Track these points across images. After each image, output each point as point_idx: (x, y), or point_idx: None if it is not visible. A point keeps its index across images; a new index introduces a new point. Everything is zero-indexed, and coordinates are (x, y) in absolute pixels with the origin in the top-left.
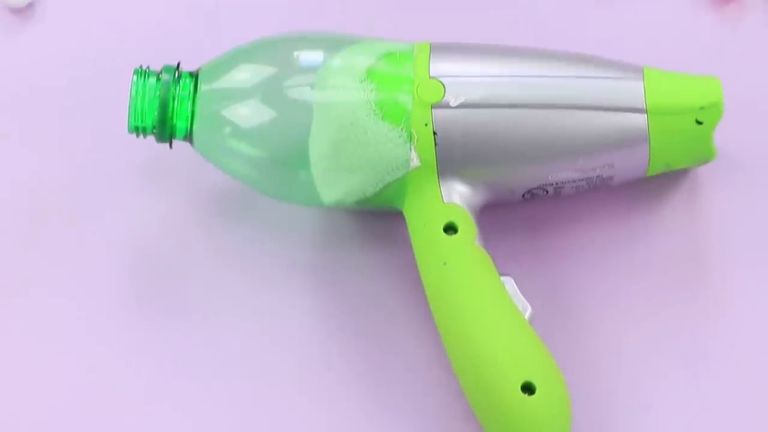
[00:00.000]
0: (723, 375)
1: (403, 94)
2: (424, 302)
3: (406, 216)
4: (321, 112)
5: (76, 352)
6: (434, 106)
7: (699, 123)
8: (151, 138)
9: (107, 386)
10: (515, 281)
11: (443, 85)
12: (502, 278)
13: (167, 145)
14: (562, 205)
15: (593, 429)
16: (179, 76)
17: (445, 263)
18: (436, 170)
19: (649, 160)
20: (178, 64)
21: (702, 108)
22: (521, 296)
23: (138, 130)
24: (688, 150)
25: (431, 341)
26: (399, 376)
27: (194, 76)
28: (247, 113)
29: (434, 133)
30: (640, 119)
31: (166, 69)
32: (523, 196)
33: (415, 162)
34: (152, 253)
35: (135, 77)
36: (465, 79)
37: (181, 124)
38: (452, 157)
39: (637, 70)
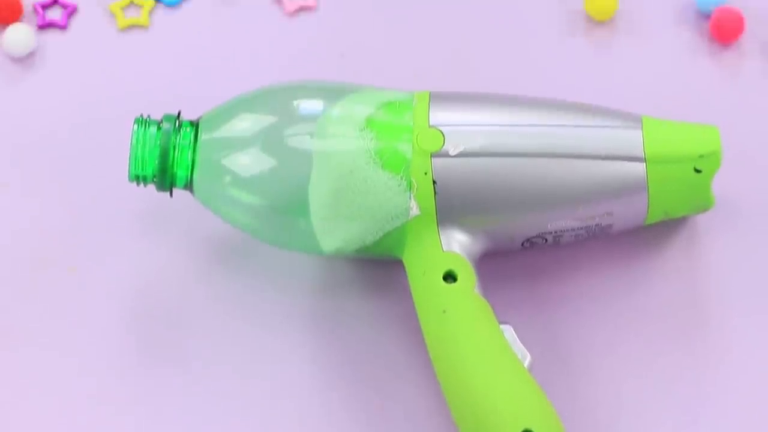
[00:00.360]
0: (722, 423)
1: (403, 142)
2: (424, 350)
3: (405, 264)
4: (321, 160)
5: (76, 398)
6: (434, 155)
7: (698, 171)
8: (151, 186)
9: None
10: (514, 329)
11: (443, 133)
12: (502, 326)
13: (167, 193)
14: (561, 253)
15: None
16: (180, 125)
17: (444, 311)
18: (435, 219)
19: (648, 208)
20: (179, 113)
21: (701, 156)
22: (520, 344)
23: (138, 178)
24: (687, 198)
25: (431, 389)
26: (399, 424)
27: (195, 125)
28: (248, 162)
29: (434, 182)
30: (639, 168)
31: (167, 118)
32: (523, 244)
33: (414, 210)
34: (152, 301)
35: (136, 126)
36: (464, 128)
37: (181, 173)
38: (452, 205)
39: (636, 119)
